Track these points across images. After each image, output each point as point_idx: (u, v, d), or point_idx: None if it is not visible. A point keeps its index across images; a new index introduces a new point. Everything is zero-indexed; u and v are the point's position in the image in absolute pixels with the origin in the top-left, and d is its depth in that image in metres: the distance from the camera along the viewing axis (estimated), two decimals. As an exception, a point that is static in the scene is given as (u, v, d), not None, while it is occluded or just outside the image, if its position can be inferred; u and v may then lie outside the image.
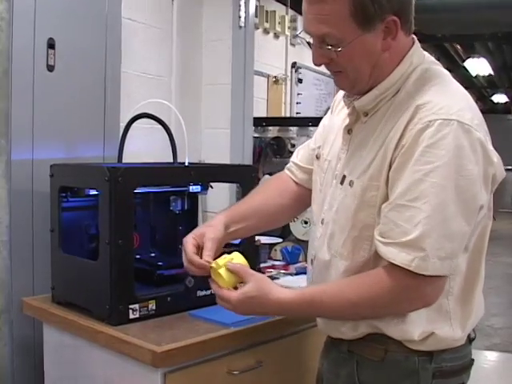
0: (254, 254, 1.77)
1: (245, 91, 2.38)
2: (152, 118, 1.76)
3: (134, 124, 1.77)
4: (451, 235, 1.02)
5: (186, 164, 1.65)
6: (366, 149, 1.10)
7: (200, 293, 1.57)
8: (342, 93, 1.24)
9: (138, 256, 1.65)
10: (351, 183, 1.10)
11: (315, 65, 1.10)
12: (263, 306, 1.09)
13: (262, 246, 2.03)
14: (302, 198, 1.33)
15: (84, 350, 1.48)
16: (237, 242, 1.63)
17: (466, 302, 1.12)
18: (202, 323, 1.44)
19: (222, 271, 1.13)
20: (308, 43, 3.31)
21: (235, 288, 1.12)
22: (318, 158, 1.26)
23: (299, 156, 1.36)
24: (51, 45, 1.73)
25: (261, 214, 1.29)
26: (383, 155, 1.07)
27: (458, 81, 1.12)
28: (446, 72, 1.13)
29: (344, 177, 1.13)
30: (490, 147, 1.06)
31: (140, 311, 1.45)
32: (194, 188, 1.67)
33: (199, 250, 1.18)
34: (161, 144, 1.88)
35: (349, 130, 1.16)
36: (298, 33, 3.46)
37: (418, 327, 1.10)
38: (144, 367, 1.30)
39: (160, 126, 1.77)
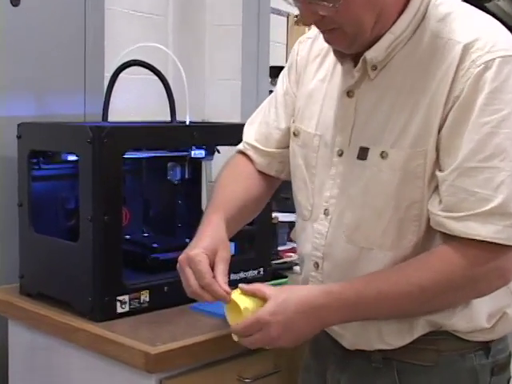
0: (271, 235, 1.77)
1: (259, 34, 2.37)
2: (144, 67, 1.76)
3: (122, 74, 1.77)
4: None
5: (187, 123, 1.65)
6: (387, 110, 1.10)
7: None
8: (308, 51, 1.26)
9: (127, 236, 1.65)
10: (384, 154, 1.10)
11: (305, 24, 1.10)
12: (305, 313, 1.08)
13: (279, 224, 2.02)
14: (269, 187, 1.35)
15: (60, 352, 1.48)
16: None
17: None
18: (206, 318, 1.44)
19: (238, 297, 1.11)
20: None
21: None
22: (296, 135, 1.26)
23: (254, 135, 1.35)
24: (14, -28, 1.76)
25: (249, 209, 1.31)
26: (426, 113, 1.07)
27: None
28: (463, 3, 1.14)
29: (364, 149, 1.12)
30: None
31: (130, 304, 1.46)
32: (196, 153, 1.67)
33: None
34: (155, 99, 1.88)
35: (349, 93, 1.15)
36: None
37: (484, 309, 1.12)
38: (135, 372, 1.30)
39: (154, 77, 1.77)
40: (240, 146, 1.37)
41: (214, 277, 1.12)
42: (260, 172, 1.34)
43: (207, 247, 1.14)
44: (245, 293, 1.12)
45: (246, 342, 1.10)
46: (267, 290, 1.11)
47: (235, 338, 1.11)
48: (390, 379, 1.16)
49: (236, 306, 1.11)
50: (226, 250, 1.17)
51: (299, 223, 1.27)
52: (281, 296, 1.09)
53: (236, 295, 1.11)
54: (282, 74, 1.34)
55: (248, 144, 1.35)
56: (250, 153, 1.34)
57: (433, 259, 1.07)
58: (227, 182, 1.32)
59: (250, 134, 1.36)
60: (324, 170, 1.19)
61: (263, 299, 1.10)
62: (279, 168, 1.34)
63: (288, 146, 1.29)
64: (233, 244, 1.61)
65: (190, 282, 1.12)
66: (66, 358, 1.46)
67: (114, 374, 1.36)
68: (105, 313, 1.43)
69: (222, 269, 1.14)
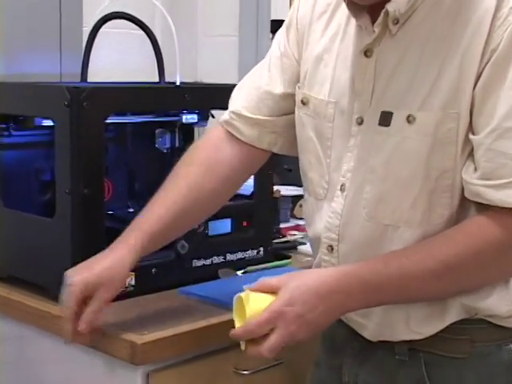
0: (272, 211, 1.76)
1: (258, -18, 2.37)
2: (128, 20, 1.74)
3: (103, 28, 1.74)
4: None
5: (178, 84, 1.65)
6: (412, 68, 1.10)
7: (196, 262, 1.57)
8: (312, 7, 1.24)
9: (110, 211, 1.65)
10: (410, 119, 1.09)
11: None
12: (324, 299, 1.07)
13: (281, 199, 2.01)
14: (249, 164, 1.34)
15: (34, 342, 1.48)
16: (247, 193, 1.64)
17: None
18: (198, 304, 1.44)
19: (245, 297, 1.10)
20: None
21: None
22: (304, 103, 1.25)
23: (242, 102, 1.33)
24: None
25: (191, 215, 1.31)
26: (458, 70, 1.06)
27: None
28: None
29: (387, 114, 1.12)
30: None
31: None
32: (188, 118, 1.66)
33: (84, 299, 1.21)
34: (141, 57, 1.89)
35: (367, 52, 1.14)
36: None
37: None
38: (119, 364, 1.30)
39: (140, 32, 1.76)
40: (224, 116, 1.34)
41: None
42: (244, 145, 1.32)
43: (90, 278, 1.20)
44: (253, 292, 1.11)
45: (261, 349, 1.07)
46: (273, 280, 1.10)
47: (243, 346, 1.10)
48: (416, 373, 1.16)
49: (241, 308, 1.10)
50: (111, 290, 1.21)
51: (311, 202, 1.25)
52: (292, 283, 1.09)
53: (242, 295, 1.11)
54: (279, 34, 1.32)
55: (234, 113, 1.32)
56: (237, 123, 1.32)
57: (462, 232, 1.07)
58: (178, 171, 1.32)
59: (236, 102, 1.34)
60: (341, 142, 1.18)
61: (271, 293, 1.09)
62: (272, 140, 1.31)
63: (282, 114, 1.28)
64: (229, 221, 1.62)
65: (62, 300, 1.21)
66: (41, 348, 1.46)
67: (94, 367, 1.36)
68: None
69: (95, 306, 1.20)
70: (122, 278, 1.25)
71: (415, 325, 1.14)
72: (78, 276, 1.20)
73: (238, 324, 1.11)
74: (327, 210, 1.19)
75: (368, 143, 1.14)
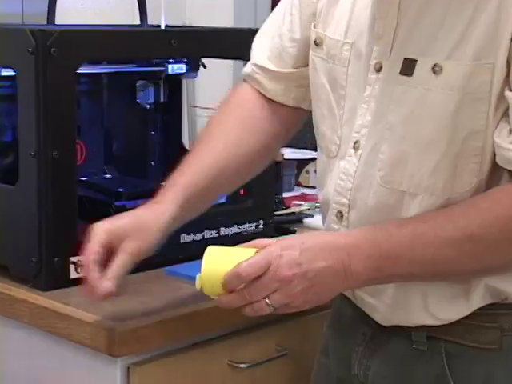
0: (273, 178, 1.77)
1: None
2: None
3: None
4: None
5: (163, 27, 1.65)
6: (441, 10, 1.09)
7: (185, 237, 1.56)
8: None
9: (83, 178, 1.66)
10: (436, 68, 1.08)
11: None
12: (327, 259, 1.08)
13: (285, 163, 2.01)
14: (285, 124, 1.37)
15: None
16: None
17: None
18: (188, 286, 1.39)
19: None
20: None
21: None
22: (318, 44, 1.26)
23: (266, 52, 1.35)
24: None
25: (228, 176, 1.32)
26: (496, 12, 1.04)
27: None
28: None
29: (410, 62, 1.12)
30: None
31: None
32: (175, 67, 1.66)
33: (108, 255, 1.19)
34: None
35: None
36: None
37: None
38: (95, 356, 1.30)
39: None
40: (246, 69, 1.37)
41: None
42: (271, 103, 1.34)
43: (115, 228, 1.19)
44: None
45: (249, 291, 1.08)
46: (266, 240, 1.13)
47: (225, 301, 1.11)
48: (435, 366, 1.15)
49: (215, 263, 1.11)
50: (138, 243, 1.19)
51: (323, 162, 1.26)
52: (290, 239, 1.13)
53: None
54: None
55: (257, 66, 1.35)
56: (260, 77, 1.34)
57: (489, 199, 1.07)
58: (211, 131, 1.33)
59: (259, 52, 1.36)
60: (356, 91, 1.19)
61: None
62: (298, 94, 1.33)
63: (308, 65, 1.29)
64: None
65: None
66: (3, 337, 1.46)
67: (66, 359, 1.36)
68: (54, 279, 1.42)
69: (121, 260, 1.17)
70: (154, 232, 1.21)
71: (434, 307, 1.14)
72: (101, 225, 1.19)
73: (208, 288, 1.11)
74: (338, 171, 1.20)
75: (386, 95, 1.13)
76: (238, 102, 1.37)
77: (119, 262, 1.17)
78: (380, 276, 1.09)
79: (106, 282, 1.15)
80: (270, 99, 1.34)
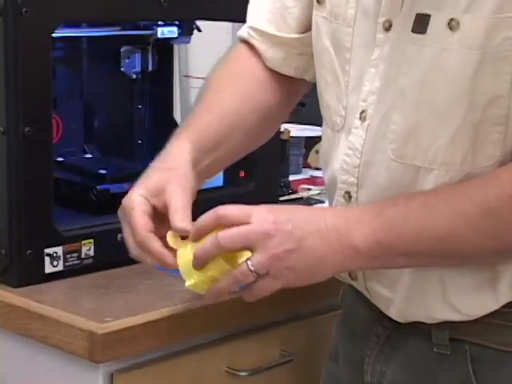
0: (278, 158, 1.78)
1: None
2: None
3: None
4: None
5: None
6: None
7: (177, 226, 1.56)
8: None
9: (60, 158, 1.65)
10: (453, 24, 1.07)
11: None
12: (318, 218, 1.10)
13: (291, 141, 2.02)
14: (287, 95, 1.38)
15: None
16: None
17: None
18: (179, 282, 1.33)
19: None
20: None
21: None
22: (320, 1, 1.26)
23: (265, 14, 1.36)
24: None
25: (242, 128, 1.33)
26: None
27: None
28: None
29: (423, 17, 1.11)
30: None
31: (66, 260, 1.44)
32: (165, 31, 1.66)
33: (158, 217, 1.18)
34: None
35: None
36: None
37: None
38: (73, 362, 1.28)
39: None
40: (242, 32, 1.37)
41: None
42: (268, 71, 1.35)
43: (147, 186, 1.19)
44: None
45: (224, 238, 1.09)
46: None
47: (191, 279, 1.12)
48: (460, 372, 1.14)
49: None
50: (181, 182, 1.19)
51: (327, 136, 1.27)
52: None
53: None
54: None
55: (254, 29, 1.35)
56: (257, 43, 1.34)
57: (510, 171, 1.07)
58: (216, 86, 1.34)
59: (257, 14, 1.36)
60: (363, 54, 1.18)
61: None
62: (300, 64, 1.32)
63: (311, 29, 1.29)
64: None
65: (129, 240, 1.19)
66: None
67: (40, 365, 1.35)
68: (27, 274, 1.40)
69: (176, 205, 1.16)
70: (188, 166, 1.22)
71: (456, 299, 1.13)
72: (131, 195, 1.19)
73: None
74: (344, 146, 1.20)
75: (397, 56, 1.13)
76: (234, 63, 1.38)
77: (178, 206, 1.16)
78: (382, 254, 1.09)
79: (180, 224, 1.14)
80: (265, 67, 1.34)
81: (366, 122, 1.16)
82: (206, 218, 1.12)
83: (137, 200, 1.18)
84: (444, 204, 1.08)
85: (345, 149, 1.20)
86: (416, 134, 1.12)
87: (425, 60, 1.10)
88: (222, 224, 1.11)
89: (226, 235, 1.10)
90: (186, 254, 1.14)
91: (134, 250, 1.20)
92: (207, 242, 1.11)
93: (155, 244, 1.15)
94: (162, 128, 1.73)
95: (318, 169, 2.07)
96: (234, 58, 1.39)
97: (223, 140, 1.31)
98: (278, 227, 1.08)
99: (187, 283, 1.14)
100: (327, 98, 1.25)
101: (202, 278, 1.12)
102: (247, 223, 1.09)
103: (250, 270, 1.08)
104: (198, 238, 1.13)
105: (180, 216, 1.16)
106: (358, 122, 1.18)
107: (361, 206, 1.15)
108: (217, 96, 1.34)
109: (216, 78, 1.37)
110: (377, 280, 1.17)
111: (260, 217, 1.10)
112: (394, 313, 1.18)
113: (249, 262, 1.08)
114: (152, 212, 1.19)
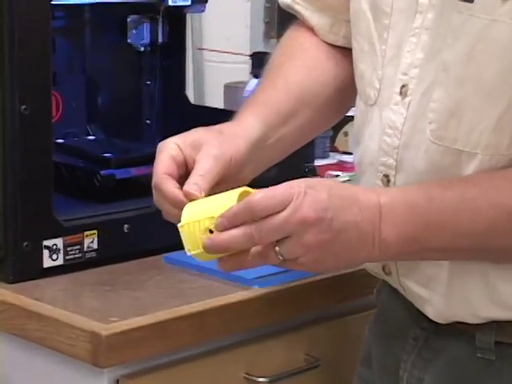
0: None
1: None
2: None
3: None
4: None
5: None
6: None
7: None
8: None
9: (60, 140, 1.66)
10: None
11: None
12: (355, 214, 1.08)
13: None
14: (340, 63, 1.38)
15: None
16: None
17: None
18: (193, 277, 1.42)
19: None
20: None
21: None
22: None
23: None
24: None
25: (310, 102, 1.33)
26: None
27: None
28: None
29: None
30: None
31: (66, 253, 1.44)
32: None
33: (185, 173, 1.18)
34: None
35: None
36: None
37: None
38: (76, 367, 1.28)
39: None
40: (286, 1, 1.38)
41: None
42: (320, 41, 1.35)
43: (191, 138, 1.18)
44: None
45: (259, 230, 1.06)
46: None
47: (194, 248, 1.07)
48: (507, 380, 1.13)
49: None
50: (222, 148, 1.18)
51: (360, 110, 1.26)
52: (315, 179, 1.28)
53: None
54: None
55: None
56: (301, 9, 1.35)
57: None
58: (278, 63, 1.35)
59: None
60: (404, 20, 1.17)
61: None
62: (349, 32, 1.31)
63: None
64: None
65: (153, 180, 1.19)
66: None
67: (38, 369, 1.35)
68: (23, 268, 1.40)
69: (203, 167, 1.15)
70: (242, 141, 1.21)
71: (501, 290, 1.13)
72: (169, 140, 1.19)
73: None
74: (380, 124, 1.20)
75: (442, 26, 1.12)
76: (293, 44, 1.38)
77: (204, 168, 1.15)
78: (414, 249, 1.10)
79: (186, 186, 1.13)
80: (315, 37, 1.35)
81: (408, 99, 1.16)
82: (242, 213, 1.08)
83: (169, 145, 1.17)
84: (485, 197, 1.08)
85: (381, 127, 1.20)
86: (459, 113, 1.12)
87: (472, 32, 1.09)
88: (257, 217, 1.07)
89: (262, 230, 1.07)
90: (195, 224, 1.09)
91: (155, 197, 1.18)
92: (237, 232, 1.07)
93: (169, 185, 1.13)
94: (173, 106, 1.74)
95: (346, 153, 2.10)
96: (291, 35, 1.39)
97: (290, 114, 1.30)
98: (319, 215, 1.06)
99: (191, 252, 1.10)
100: (362, 67, 1.24)
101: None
102: (285, 208, 1.06)
103: (276, 253, 1.07)
104: (224, 229, 1.09)
105: (195, 179, 1.14)
106: (398, 98, 1.17)
107: (395, 193, 1.13)
108: (281, 71, 1.34)
109: (276, 55, 1.38)
110: (411, 278, 1.17)
111: (300, 203, 1.06)
112: (431, 312, 1.18)
113: (277, 248, 1.06)
114: (182, 162, 1.17)
